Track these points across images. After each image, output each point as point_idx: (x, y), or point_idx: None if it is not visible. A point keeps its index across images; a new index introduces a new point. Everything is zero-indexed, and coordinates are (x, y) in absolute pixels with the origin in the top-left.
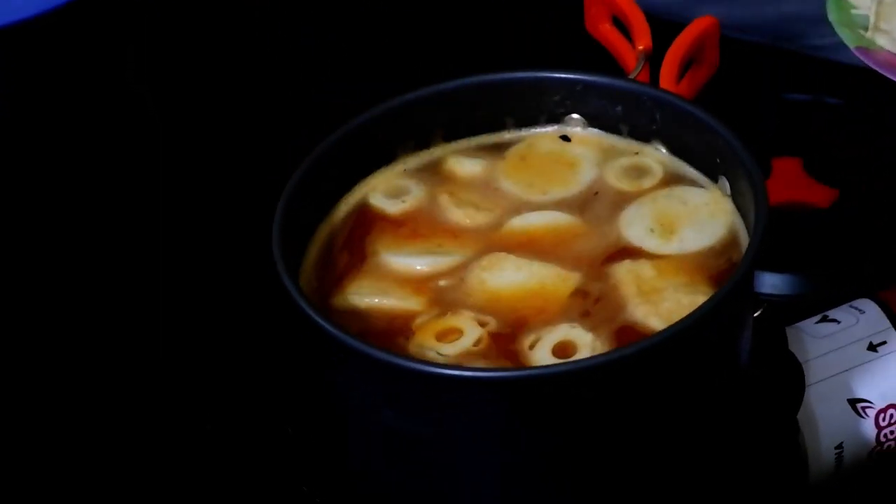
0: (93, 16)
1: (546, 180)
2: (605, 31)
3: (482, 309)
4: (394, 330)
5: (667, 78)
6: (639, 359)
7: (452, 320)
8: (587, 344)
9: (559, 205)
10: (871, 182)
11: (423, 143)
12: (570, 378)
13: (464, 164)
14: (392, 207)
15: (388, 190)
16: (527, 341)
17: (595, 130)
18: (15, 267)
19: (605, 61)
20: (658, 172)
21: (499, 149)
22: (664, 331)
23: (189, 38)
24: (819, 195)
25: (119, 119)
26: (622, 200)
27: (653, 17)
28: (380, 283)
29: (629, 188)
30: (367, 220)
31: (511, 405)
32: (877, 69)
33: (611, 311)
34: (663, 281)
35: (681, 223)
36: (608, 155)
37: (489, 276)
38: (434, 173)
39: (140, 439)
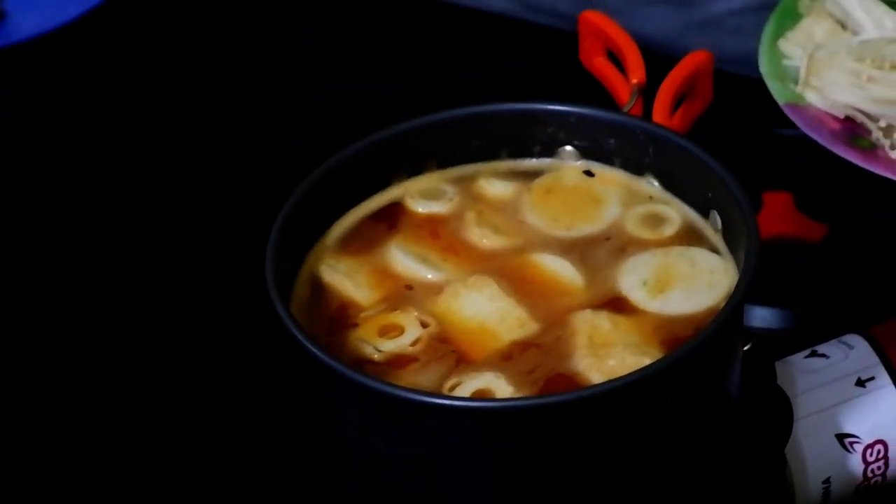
0: (93, 18)
1: (571, 215)
2: (600, 65)
3: (436, 317)
4: (341, 313)
5: (660, 111)
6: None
7: (396, 317)
8: (506, 396)
9: (574, 245)
10: (860, 217)
11: (417, 172)
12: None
13: (495, 185)
14: (425, 208)
15: (425, 192)
16: (448, 384)
17: (616, 168)
18: (15, 267)
19: (599, 94)
20: (676, 221)
21: (531, 176)
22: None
23: (189, 39)
24: (809, 230)
25: (120, 119)
26: (635, 247)
27: (647, 51)
28: (359, 266)
29: (647, 236)
30: (399, 213)
31: (481, 431)
32: (804, 130)
33: (556, 360)
34: (615, 337)
35: (675, 284)
36: (629, 194)
37: (466, 292)
38: (472, 187)
39: (140, 439)
